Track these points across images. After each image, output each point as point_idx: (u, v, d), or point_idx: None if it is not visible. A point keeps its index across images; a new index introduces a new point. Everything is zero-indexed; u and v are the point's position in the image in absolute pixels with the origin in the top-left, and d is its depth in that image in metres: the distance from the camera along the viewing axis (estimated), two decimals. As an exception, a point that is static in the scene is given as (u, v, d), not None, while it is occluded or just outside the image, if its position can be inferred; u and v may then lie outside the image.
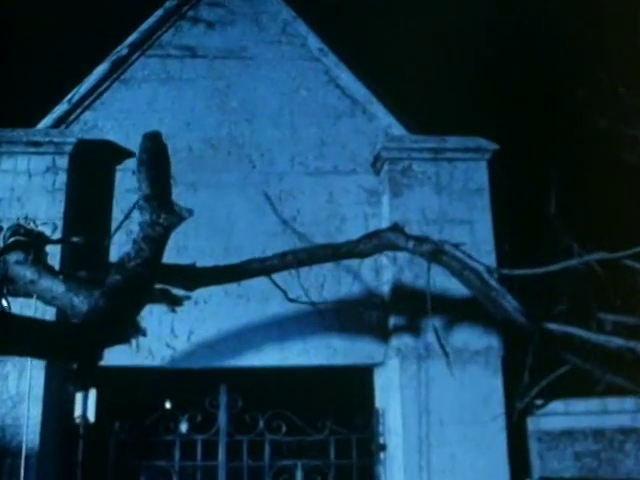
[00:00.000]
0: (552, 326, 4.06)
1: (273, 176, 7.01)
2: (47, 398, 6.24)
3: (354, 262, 6.77)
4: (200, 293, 6.63)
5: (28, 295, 3.85)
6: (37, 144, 6.65)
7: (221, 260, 6.57)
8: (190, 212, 4.20)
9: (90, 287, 3.61)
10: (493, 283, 4.20)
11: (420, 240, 4.53)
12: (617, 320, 4.41)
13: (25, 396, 6.18)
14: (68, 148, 6.68)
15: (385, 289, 6.73)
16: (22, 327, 3.04)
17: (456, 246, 4.40)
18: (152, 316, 6.61)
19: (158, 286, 4.67)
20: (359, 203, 6.94)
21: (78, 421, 6.48)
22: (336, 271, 6.79)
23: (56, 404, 6.41)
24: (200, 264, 5.38)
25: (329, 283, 6.77)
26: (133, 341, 6.61)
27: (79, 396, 6.60)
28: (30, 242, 3.86)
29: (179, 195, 6.90)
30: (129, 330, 3.64)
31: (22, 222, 4.12)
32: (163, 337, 6.63)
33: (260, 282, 6.65)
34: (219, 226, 6.88)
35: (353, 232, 6.67)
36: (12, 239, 3.92)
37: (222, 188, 6.96)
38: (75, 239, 4.51)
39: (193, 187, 6.92)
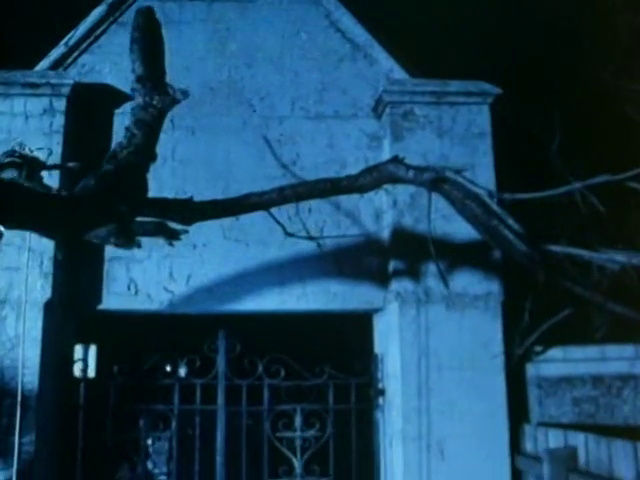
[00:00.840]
0: (554, 248, 4.00)
1: (273, 120, 6.92)
2: (45, 341, 6.22)
3: (354, 207, 6.76)
4: (199, 237, 6.63)
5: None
6: (34, 85, 6.56)
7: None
8: (185, 94, 4.06)
9: (85, 202, 3.56)
10: (495, 207, 4.14)
11: (421, 169, 4.45)
12: (619, 257, 4.36)
13: (23, 338, 6.19)
14: (65, 90, 6.59)
15: (385, 234, 6.69)
16: (26, 197, 2.99)
17: (458, 172, 4.33)
18: (150, 260, 6.62)
19: (155, 220, 4.61)
20: (360, 148, 6.87)
21: (78, 374, 6.48)
22: (336, 216, 6.75)
23: (55, 347, 6.39)
24: (198, 204, 5.34)
25: (328, 227, 6.72)
26: (132, 285, 6.65)
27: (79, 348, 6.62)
28: (24, 162, 3.81)
29: (178, 139, 6.93)
30: (121, 218, 3.56)
31: (17, 148, 4.07)
32: (161, 281, 6.60)
33: (259, 226, 6.65)
34: (218, 170, 6.82)
35: (353, 177, 6.64)
36: (7, 160, 3.87)
37: (221, 132, 6.88)
38: (71, 165, 4.43)
39: (192, 131, 6.86)
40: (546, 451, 5.59)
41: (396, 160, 4.60)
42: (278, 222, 5.21)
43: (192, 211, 4.64)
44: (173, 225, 4.80)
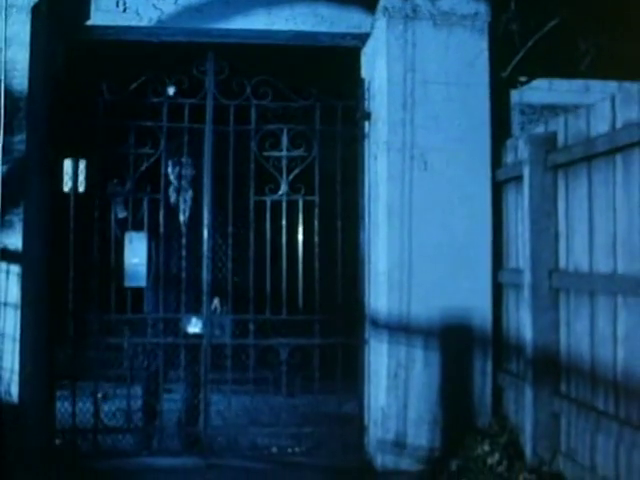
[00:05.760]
0: None
1: None
2: (34, 45, 6.24)
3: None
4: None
5: None
6: None
7: None
8: None
9: None
10: None
11: None
12: None
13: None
14: None
15: (375, -42, 6.68)
16: None
17: None
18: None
19: None
20: None
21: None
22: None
23: (44, 55, 6.44)
24: None
25: (317, -48, 6.71)
26: (120, 2, 6.66)
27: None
28: None
29: None
30: None
31: None
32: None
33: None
34: None
35: None
36: None
37: None
38: None
39: None
40: (526, 136, 5.71)
41: None
42: None
43: None
44: None
